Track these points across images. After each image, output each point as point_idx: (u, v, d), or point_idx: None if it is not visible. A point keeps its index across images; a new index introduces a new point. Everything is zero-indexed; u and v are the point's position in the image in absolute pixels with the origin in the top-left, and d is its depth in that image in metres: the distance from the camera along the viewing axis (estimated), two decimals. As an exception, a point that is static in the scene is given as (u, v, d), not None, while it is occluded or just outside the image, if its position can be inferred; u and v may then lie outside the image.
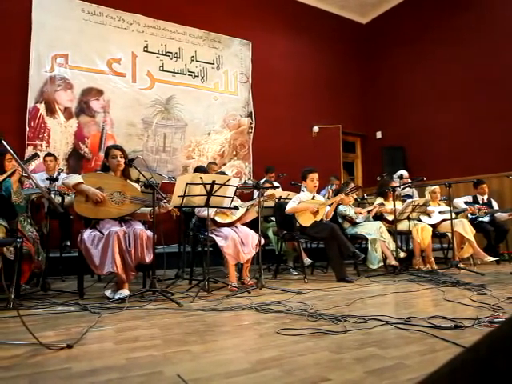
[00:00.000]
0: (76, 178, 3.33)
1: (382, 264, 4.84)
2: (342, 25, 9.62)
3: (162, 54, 7.33)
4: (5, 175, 2.80)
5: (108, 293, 3.22)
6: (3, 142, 1.70)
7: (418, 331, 2.11)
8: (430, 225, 5.36)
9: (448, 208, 5.33)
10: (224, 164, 7.72)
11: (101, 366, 1.66)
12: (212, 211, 3.87)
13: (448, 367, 0.56)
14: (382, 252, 4.87)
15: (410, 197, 6.50)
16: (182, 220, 4.59)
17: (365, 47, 9.79)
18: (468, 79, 7.61)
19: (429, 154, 8.09)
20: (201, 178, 3.49)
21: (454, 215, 5.13)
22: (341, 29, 9.54)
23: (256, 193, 4.41)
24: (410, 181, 6.53)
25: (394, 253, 4.78)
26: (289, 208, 4.51)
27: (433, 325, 2.20)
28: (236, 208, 4.04)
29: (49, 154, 5.52)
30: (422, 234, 5.12)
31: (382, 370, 1.58)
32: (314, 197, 4.67)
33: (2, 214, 3.08)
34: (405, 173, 6.98)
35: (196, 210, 4.01)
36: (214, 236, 3.81)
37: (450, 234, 5.15)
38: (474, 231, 5.41)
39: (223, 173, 5.01)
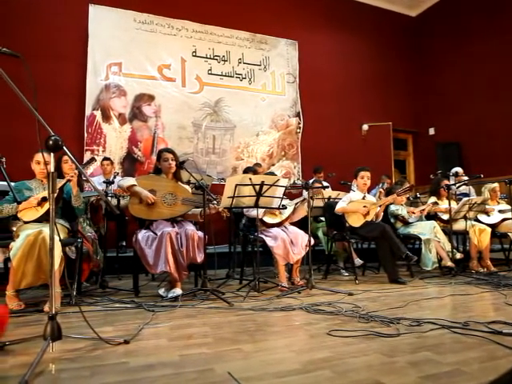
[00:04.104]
0: (130, 181, 3.47)
1: (437, 265, 4.65)
2: (390, 19, 9.32)
3: (210, 58, 7.47)
4: (60, 184, 2.97)
5: (161, 291, 3.33)
6: (64, 147, 1.80)
7: (477, 336, 2.02)
8: (490, 224, 5.08)
9: (509, 207, 5.03)
10: (273, 164, 7.75)
11: (156, 361, 1.72)
12: (261, 211, 3.89)
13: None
14: (437, 253, 4.67)
15: (466, 195, 6.18)
16: (232, 220, 4.65)
17: (414, 41, 9.43)
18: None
19: (486, 149, 7.67)
20: (250, 178, 3.51)
21: (515, 214, 4.85)
22: (388, 23, 9.25)
23: (305, 193, 4.38)
24: (466, 178, 6.21)
25: (450, 254, 4.58)
26: (338, 208, 4.45)
27: (494, 330, 2.09)
28: (284, 207, 4.03)
29: (105, 159, 5.80)
30: (481, 236, 4.84)
31: (438, 376, 1.52)
32: (364, 196, 4.57)
33: (64, 215, 3.28)
34: (460, 170, 6.64)
35: (245, 209, 4.05)
36: (263, 236, 3.83)
37: (511, 234, 4.87)
38: (539, 231, 5.07)
39: (272, 173, 5.02)
